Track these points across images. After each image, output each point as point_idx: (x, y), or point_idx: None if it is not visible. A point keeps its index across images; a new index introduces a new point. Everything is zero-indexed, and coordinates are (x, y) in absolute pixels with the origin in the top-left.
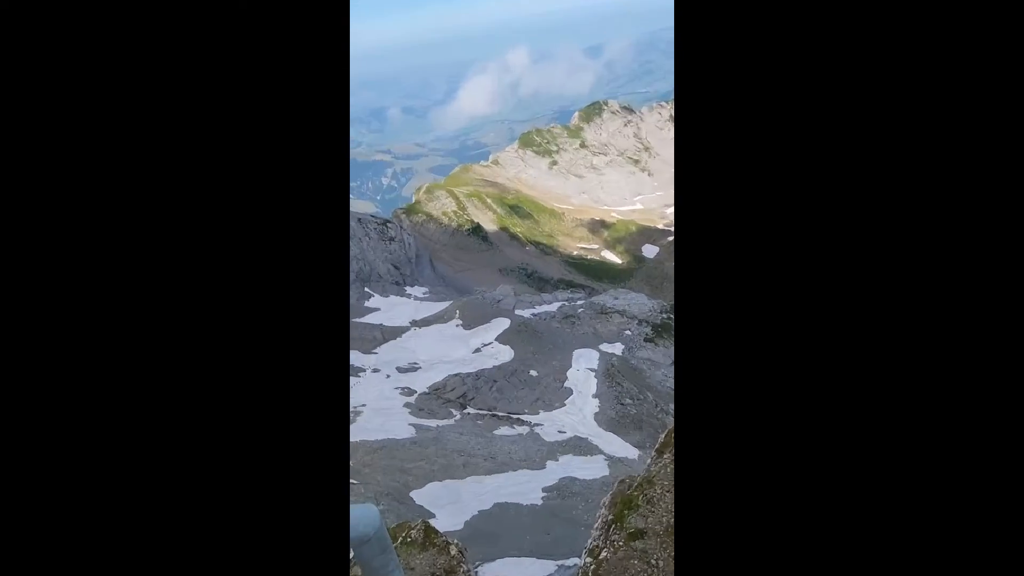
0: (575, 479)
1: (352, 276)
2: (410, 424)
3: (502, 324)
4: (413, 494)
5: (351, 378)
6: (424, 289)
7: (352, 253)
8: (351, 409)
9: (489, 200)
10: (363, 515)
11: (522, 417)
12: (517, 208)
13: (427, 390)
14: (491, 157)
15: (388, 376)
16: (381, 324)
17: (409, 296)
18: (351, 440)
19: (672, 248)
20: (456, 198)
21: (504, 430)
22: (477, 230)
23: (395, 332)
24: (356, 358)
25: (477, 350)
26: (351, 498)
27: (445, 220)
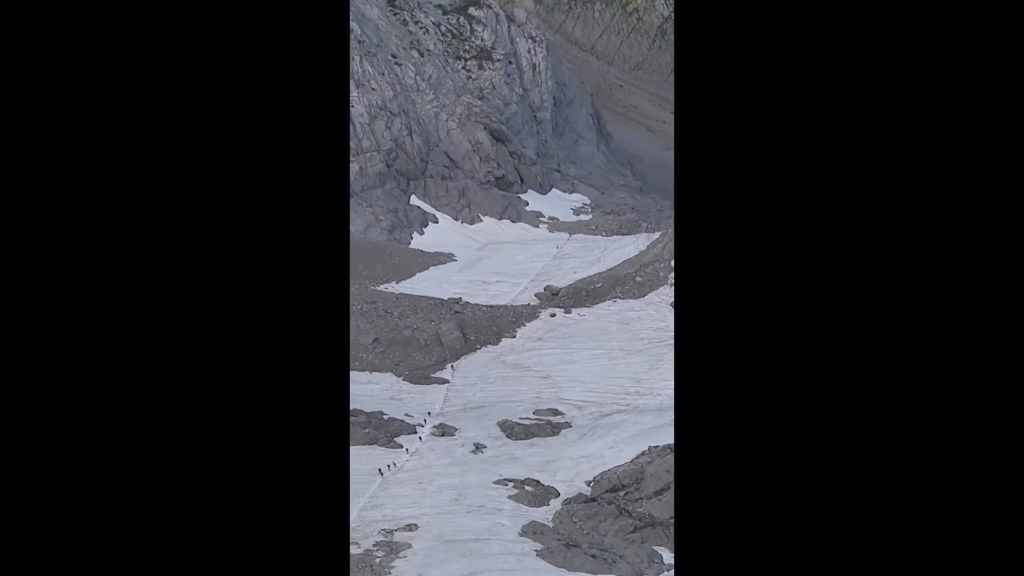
0: None
1: (378, 164)
2: None
3: None
4: None
5: (380, 445)
6: (578, 199)
7: (370, 98)
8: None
9: None
10: None
11: None
12: None
13: (588, 490)
14: None
15: (477, 450)
16: (460, 299)
17: (538, 220)
18: None
19: None
20: None
21: None
22: None
23: (496, 319)
24: (393, 391)
25: None
26: None
27: None
